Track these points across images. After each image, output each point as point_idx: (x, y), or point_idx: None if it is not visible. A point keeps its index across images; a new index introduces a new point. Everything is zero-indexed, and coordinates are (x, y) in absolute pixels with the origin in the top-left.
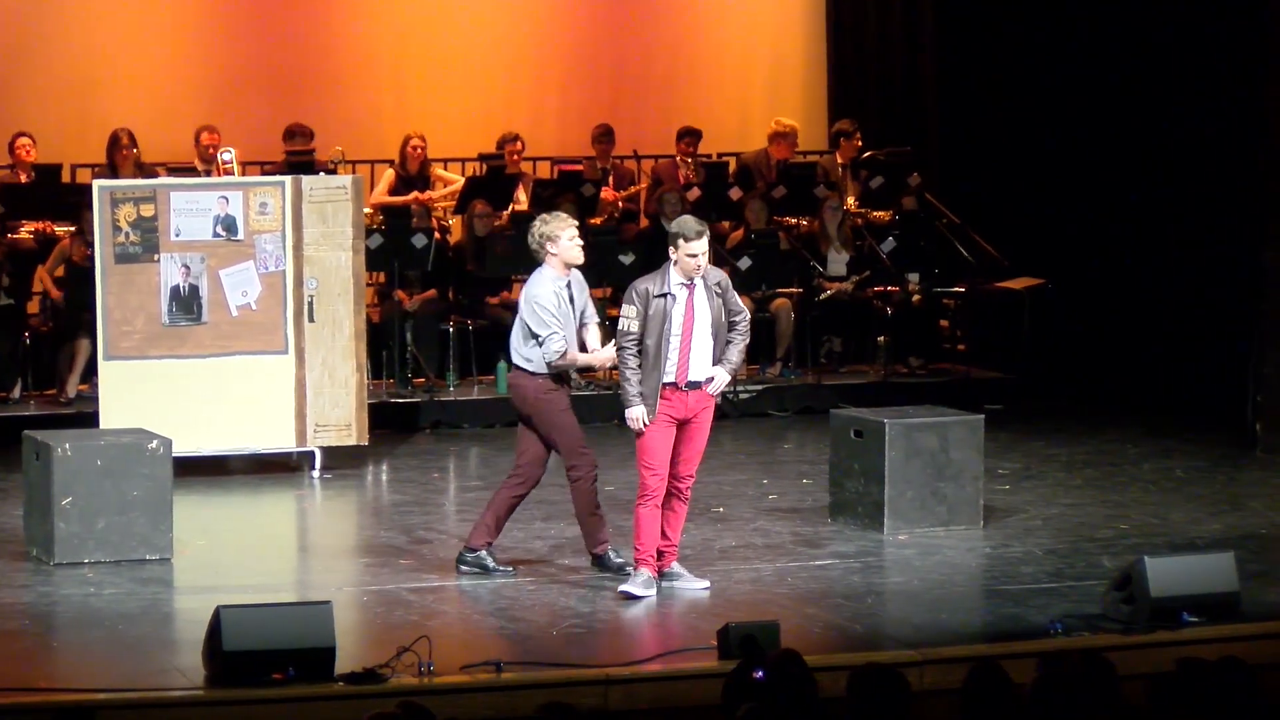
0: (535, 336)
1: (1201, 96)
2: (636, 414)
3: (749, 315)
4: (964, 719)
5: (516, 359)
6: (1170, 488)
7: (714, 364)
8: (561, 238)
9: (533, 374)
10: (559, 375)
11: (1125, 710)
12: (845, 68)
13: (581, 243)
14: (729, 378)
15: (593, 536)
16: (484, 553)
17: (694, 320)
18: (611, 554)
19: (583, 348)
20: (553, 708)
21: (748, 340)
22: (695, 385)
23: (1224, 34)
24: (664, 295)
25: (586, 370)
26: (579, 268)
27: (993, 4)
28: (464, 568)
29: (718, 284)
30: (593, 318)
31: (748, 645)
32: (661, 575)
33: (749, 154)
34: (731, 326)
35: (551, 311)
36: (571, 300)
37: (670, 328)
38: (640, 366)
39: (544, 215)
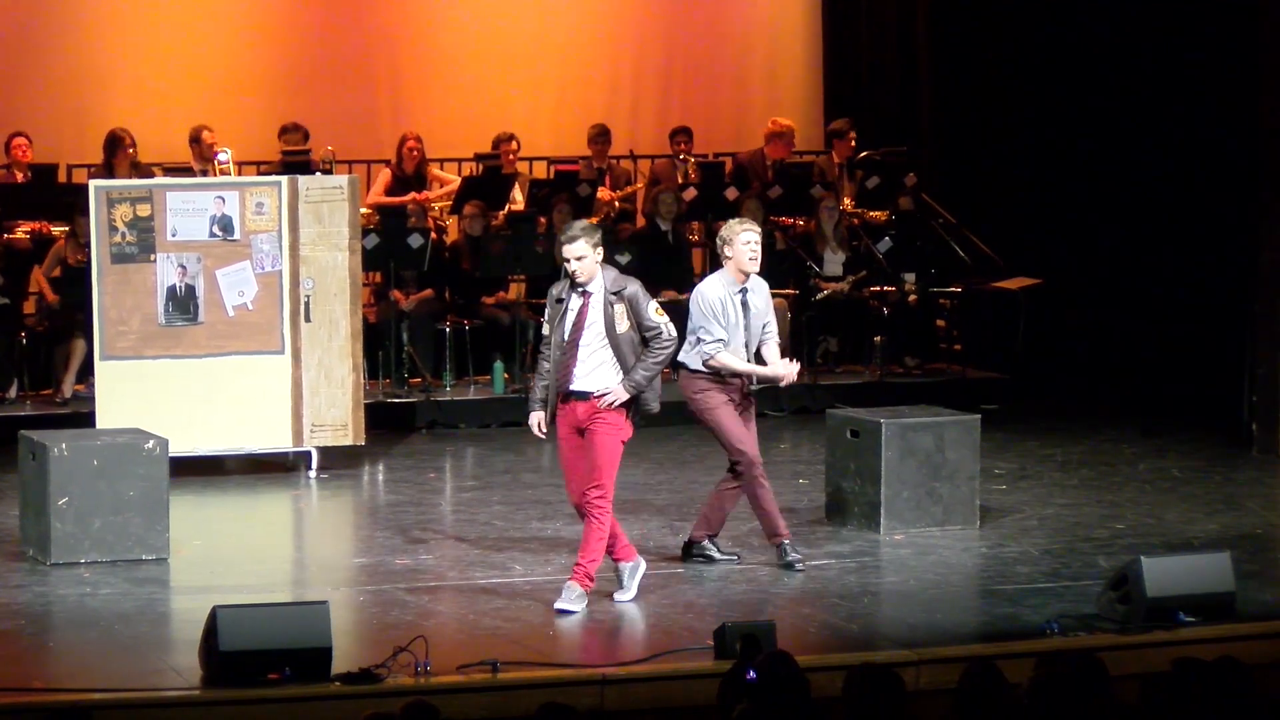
0: (694, 334)
1: (1197, 97)
2: (532, 420)
3: (665, 331)
4: (959, 719)
5: (680, 355)
6: (1166, 488)
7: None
8: (735, 242)
9: (691, 371)
10: (716, 374)
11: (1121, 710)
12: (841, 68)
13: (756, 250)
14: (625, 394)
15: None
16: (706, 543)
17: (582, 329)
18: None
19: (761, 361)
20: (549, 708)
21: (661, 358)
22: (583, 395)
23: (1220, 36)
24: (560, 301)
25: (767, 382)
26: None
27: (988, 4)
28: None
29: (616, 294)
30: (773, 331)
31: (749, 645)
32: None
33: (745, 154)
34: (645, 342)
35: (703, 311)
36: (746, 308)
37: (561, 335)
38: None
39: (734, 219)
